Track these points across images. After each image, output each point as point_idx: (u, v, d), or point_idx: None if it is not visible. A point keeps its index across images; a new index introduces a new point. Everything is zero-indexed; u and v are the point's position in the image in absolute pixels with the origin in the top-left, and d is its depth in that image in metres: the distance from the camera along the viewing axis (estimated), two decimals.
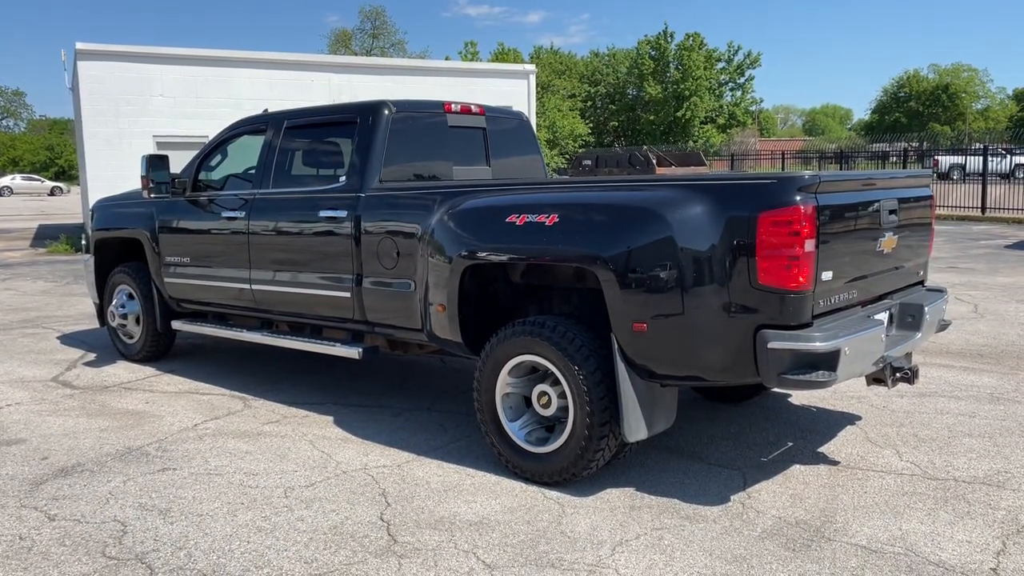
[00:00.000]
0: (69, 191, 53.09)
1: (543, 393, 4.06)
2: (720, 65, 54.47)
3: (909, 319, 4.25)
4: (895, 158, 30.93)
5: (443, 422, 5.15)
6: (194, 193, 6.17)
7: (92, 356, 7.12)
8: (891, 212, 4.02)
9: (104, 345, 7.32)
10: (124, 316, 6.83)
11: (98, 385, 6.19)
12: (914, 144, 35.20)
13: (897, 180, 4.26)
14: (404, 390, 5.96)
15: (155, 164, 6.08)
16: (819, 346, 3.41)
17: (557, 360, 3.91)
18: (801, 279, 3.43)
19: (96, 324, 7.57)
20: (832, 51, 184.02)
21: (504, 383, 4.18)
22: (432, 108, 5.51)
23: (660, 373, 3.76)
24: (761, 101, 61.80)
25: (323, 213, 5.13)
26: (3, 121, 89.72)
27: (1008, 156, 31.23)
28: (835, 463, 4.32)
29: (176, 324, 6.51)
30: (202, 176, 6.24)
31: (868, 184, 4.00)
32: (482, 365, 4.24)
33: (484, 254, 4.22)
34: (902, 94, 72.25)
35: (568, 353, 3.87)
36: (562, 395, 3.98)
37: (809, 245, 3.42)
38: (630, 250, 3.67)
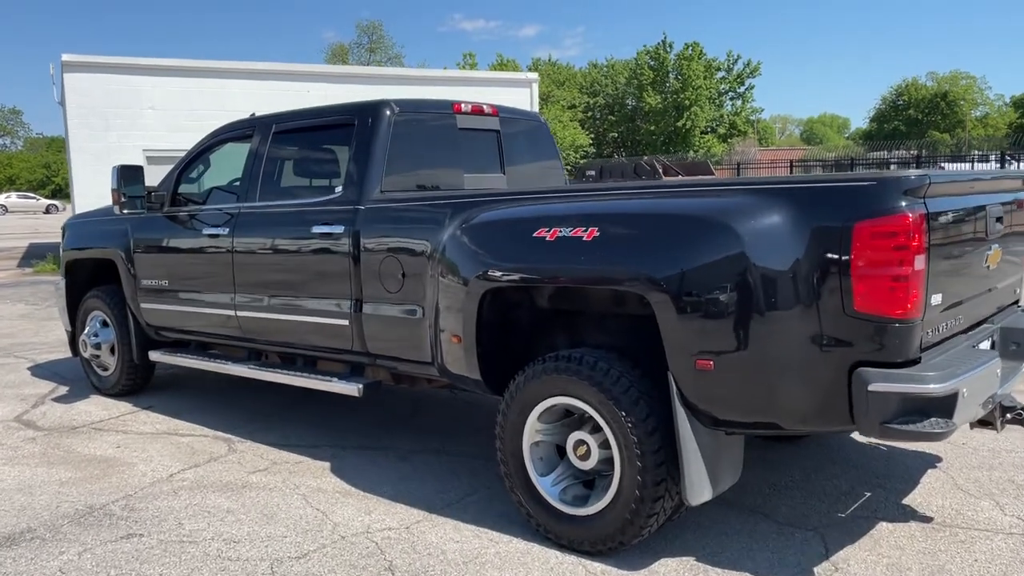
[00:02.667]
0: (65, 208, 52.41)
1: (580, 442, 3.38)
2: (720, 75, 53.98)
3: (1013, 347, 3.57)
4: (895, 166, 30.41)
5: (456, 468, 4.46)
6: (172, 208, 5.49)
7: (64, 390, 6.43)
8: (997, 220, 3.35)
9: (79, 377, 6.63)
10: (97, 346, 6.14)
11: (65, 425, 5.49)
12: (913, 152, 34.66)
13: (1003, 182, 3.57)
14: (410, 427, 5.28)
15: (127, 176, 5.40)
16: (934, 388, 2.73)
17: (599, 404, 3.23)
18: (909, 305, 2.76)
19: None
20: (828, 60, 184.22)
21: (533, 430, 3.50)
22: (440, 108, 4.86)
23: (724, 419, 3.08)
24: (762, 110, 61.33)
25: (316, 229, 4.47)
26: (0, 140, 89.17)
27: (1014, 163, 30.68)
28: (927, 519, 3.63)
29: (154, 355, 5.81)
30: (182, 189, 5.56)
31: (976, 186, 3.33)
32: (506, 408, 3.56)
33: (508, 275, 3.55)
34: (901, 102, 71.64)
35: (613, 395, 3.19)
36: (604, 445, 3.30)
37: (919, 262, 2.75)
38: (691, 270, 2.99)
